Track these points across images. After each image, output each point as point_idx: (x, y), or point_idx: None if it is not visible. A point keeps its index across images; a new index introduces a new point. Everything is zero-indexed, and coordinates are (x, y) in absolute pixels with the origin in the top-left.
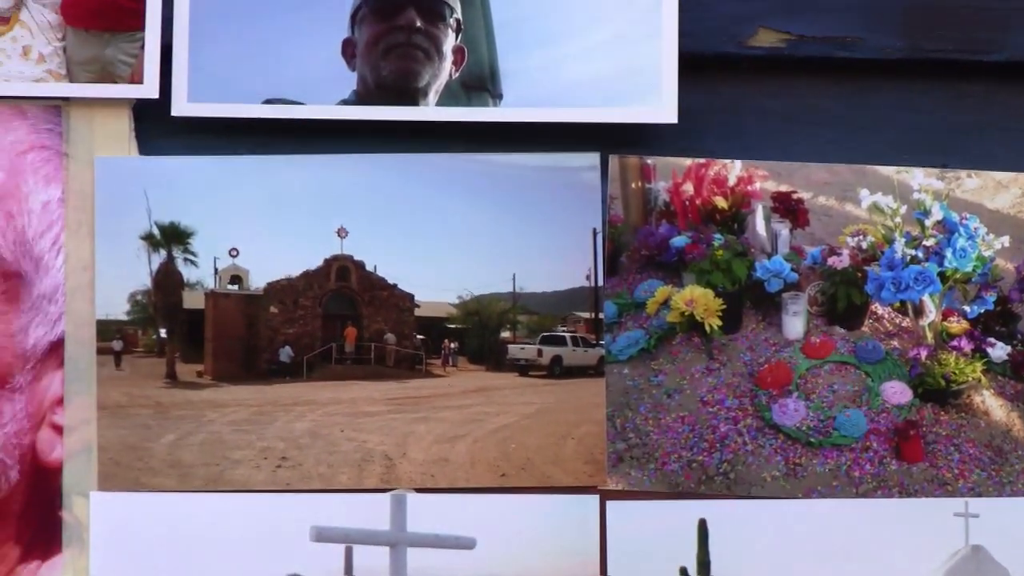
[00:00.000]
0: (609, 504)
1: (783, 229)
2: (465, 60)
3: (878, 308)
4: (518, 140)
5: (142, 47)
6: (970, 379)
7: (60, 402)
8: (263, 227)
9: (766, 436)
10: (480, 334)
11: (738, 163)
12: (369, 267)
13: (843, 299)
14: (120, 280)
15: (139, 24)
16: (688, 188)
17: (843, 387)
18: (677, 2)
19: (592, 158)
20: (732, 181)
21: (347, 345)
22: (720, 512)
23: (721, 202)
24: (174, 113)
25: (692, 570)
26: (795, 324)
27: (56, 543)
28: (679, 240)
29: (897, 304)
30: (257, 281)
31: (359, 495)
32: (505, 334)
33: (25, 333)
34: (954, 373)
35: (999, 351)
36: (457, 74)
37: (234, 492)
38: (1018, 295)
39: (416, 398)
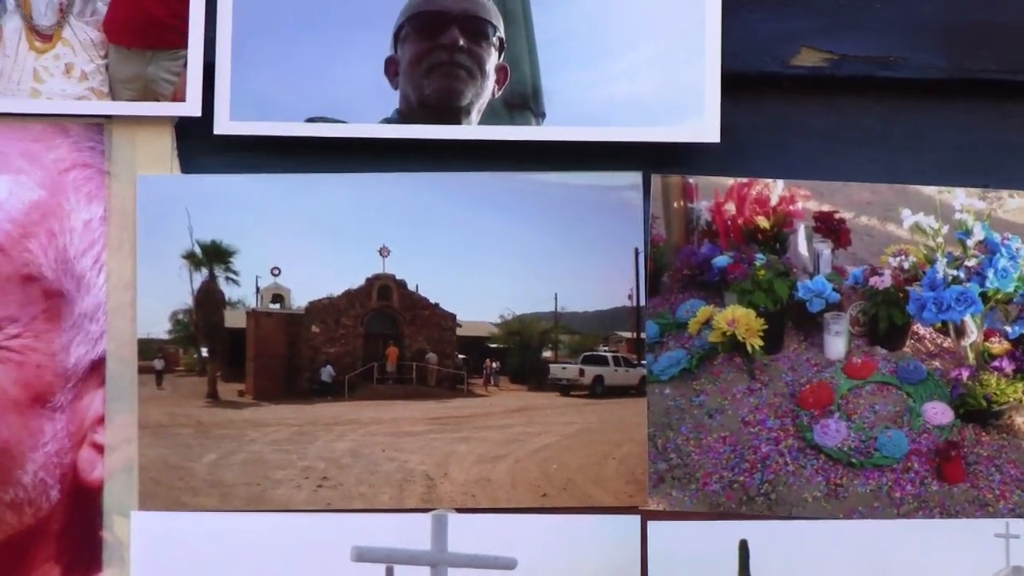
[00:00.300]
0: (650, 524)
1: (825, 249)
2: (508, 79)
3: (920, 328)
4: (560, 159)
5: (185, 65)
6: (1011, 400)
7: (101, 421)
8: (305, 246)
9: (807, 456)
10: (522, 354)
11: (780, 183)
12: (411, 286)
13: (884, 319)
14: (161, 299)
15: (182, 42)
16: (730, 208)
17: (884, 408)
18: (720, 21)
19: (634, 177)
20: (774, 201)
21: (388, 365)
22: (761, 533)
23: (763, 222)
24: (216, 131)
25: None
26: (837, 344)
27: (96, 563)
28: (721, 260)
29: (939, 324)
30: (299, 300)
31: (400, 515)
32: (547, 354)
33: (66, 352)
34: (995, 394)
35: None
36: (500, 93)
37: (275, 512)
38: None
39: (457, 418)
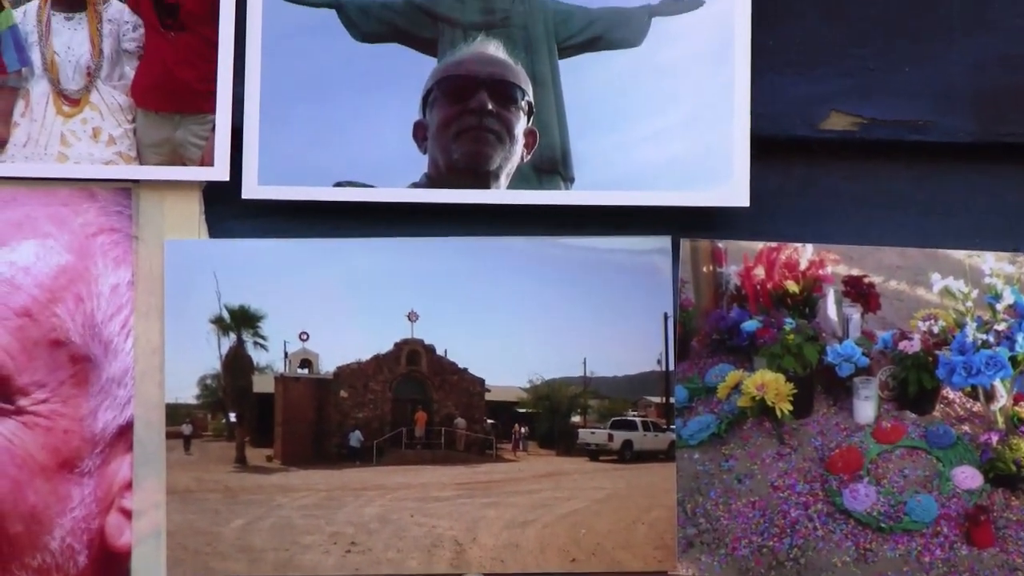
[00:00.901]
0: None
1: (854, 313)
2: (537, 143)
3: (949, 393)
4: (589, 223)
5: (213, 129)
6: None
7: (129, 486)
8: (334, 310)
9: (837, 521)
10: (550, 418)
11: (809, 247)
12: (440, 351)
13: (914, 383)
14: (189, 364)
15: (210, 106)
16: (759, 272)
17: (914, 472)
18: (749, 84)
19: (663, 241)
20: (803, 265)
21: (417, 429)
22: None
23: (792, 286)
24: (245, 196)
25: None
26: (866, 409)
27: None
28: (750, 324)
29: (968, 389)
30: (327, 365)
31: None
32: (576, 418)
33: (94, 417)
34: None
35: None
36: (529, 157)
37: None
38: None
39: (486, 483)
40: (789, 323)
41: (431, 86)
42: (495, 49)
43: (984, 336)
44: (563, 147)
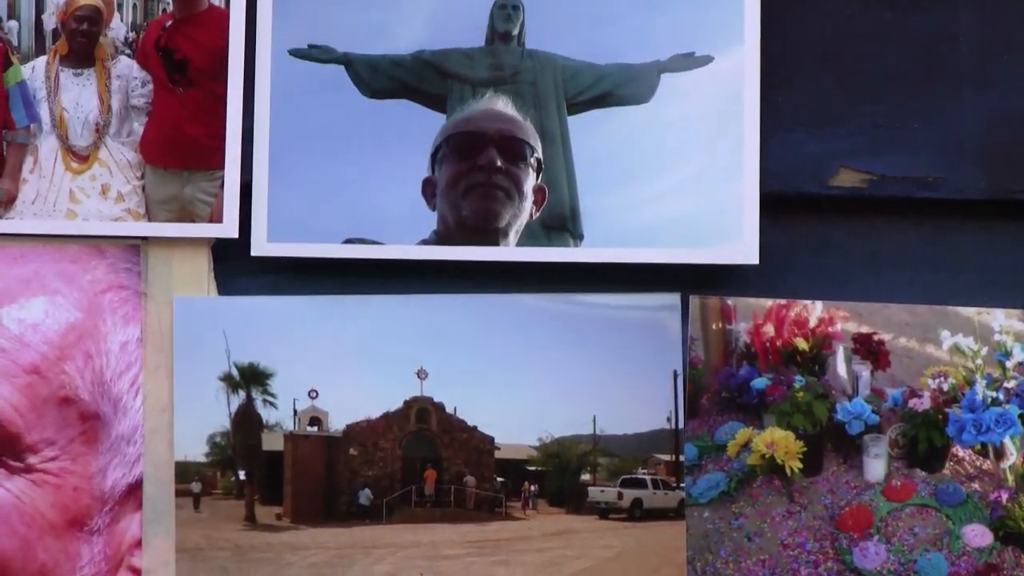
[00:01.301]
0: None
1: (864, 371)
2: (546, 200)
3: (959, 450)
4: (599, 280)
5: (222, 186)
6: None
7: (138, 544)
8: (343, 368)
9: None
10: (560, 476)
11: (819, 304)
12: (449, 409)
13: (924, 441)
14: (199, 421)
15: (219, 163)
16: (769, 329)
17: (924, 530)
18: (759, 141)
19: (673, 299)
20: (813, 322)
21: (427, 487)
22: None
23: (802, 343)
24: (254, 253)
25: None
26: (876, 466)
27: None
28: (760, 382)
29: (978, 446)
30: (336, 423)
31: None
32: (585, 476)
33: (103, 475)
34: None
35: None
36: (538, 214)
37: None
38: None
39: (496, 541)
40: (799, 381)
41: (440, 143)
42: (504, 105)
43: (994, 394)
44: (572, 204)
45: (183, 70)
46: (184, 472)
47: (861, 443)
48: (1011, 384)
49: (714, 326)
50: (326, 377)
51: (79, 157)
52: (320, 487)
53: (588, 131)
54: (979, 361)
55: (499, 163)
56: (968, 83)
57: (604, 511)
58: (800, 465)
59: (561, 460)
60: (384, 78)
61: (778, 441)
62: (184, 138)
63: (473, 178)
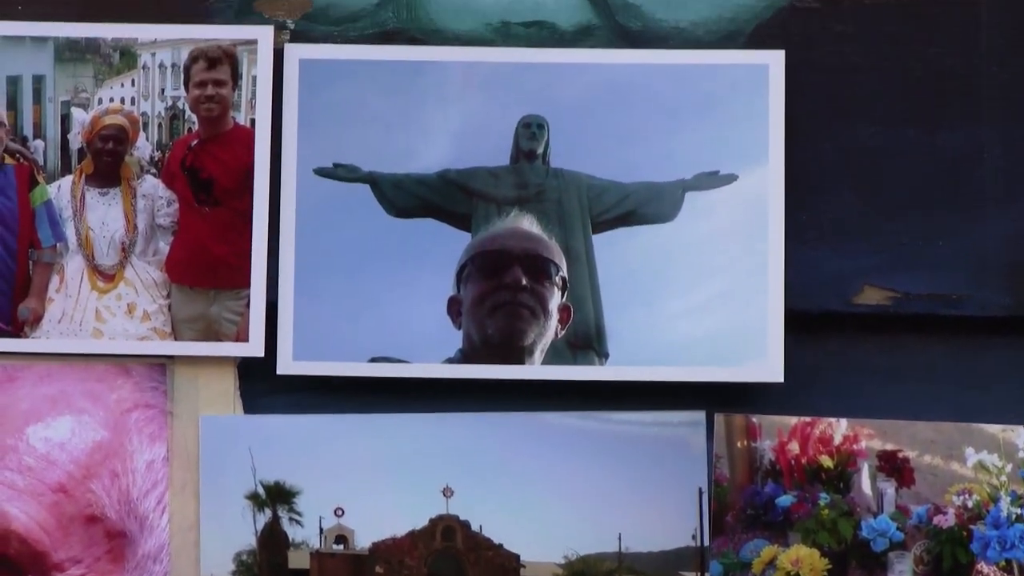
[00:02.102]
0: None
1: (889, 488)
2: (571, 318)
3: (983, 567)
4: (624, 398)
5: (247, 304)
6: None
7: None
8: (369, 486)
9: None
10: None
11: (844, 422)
12: (475, 527)
13: (948, 558)
14: (225, 540)
15: (244, 282)
16: (794, 447)
17: None
18: (783, 259)
19: (698, 416)
20: (838, 440)
21: None
22: None
23: (827, 461)
24: (279, 372)
25: None
26: None
27: None
28: (785, 499)
29: (1003, 563)
30: (363, 541)
31: None
32: None
33: None
34: None
35: None
36: (563, 332)
37: None
38: None
39: None
40: (824, 498)
41: (465, 261)
42: (529, 224)
43: (1018, 510)
44: (597, 322)
45: (209, 189)
46: None
47: (886, 560)
48: None
49: (739, 443)
50: (352, 495)
51: (105, 276)
52: None
53: (613, 249)
54: (1004, 478)
55: (524, 282)
56: (992, 200)
57: None
58: None
59: None
60: (409, 197)
61: (803, 558)
62: (210, 257)
63: (499, 297)
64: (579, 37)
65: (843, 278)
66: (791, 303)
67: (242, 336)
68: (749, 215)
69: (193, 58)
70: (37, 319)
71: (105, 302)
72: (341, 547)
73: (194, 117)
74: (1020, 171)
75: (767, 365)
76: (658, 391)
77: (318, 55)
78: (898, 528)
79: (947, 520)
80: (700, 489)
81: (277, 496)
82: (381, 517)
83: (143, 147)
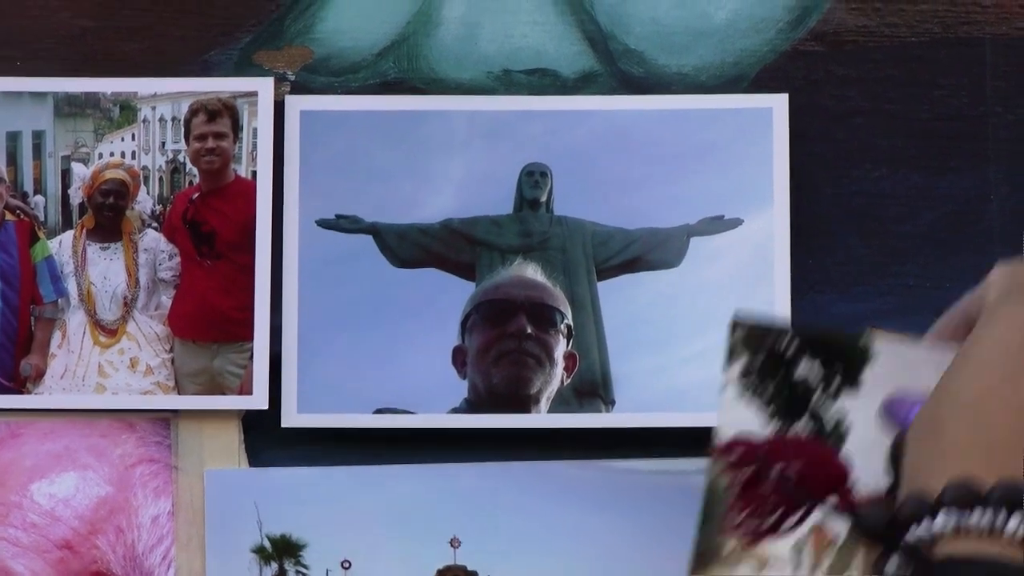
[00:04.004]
0: None
1: None
2: (577, 366)
3: None
4: (631, 445)
5: (251, 357)
6: None
7: None
8: (375, 537)
9: None
10: None
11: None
12: None
13: None
14: None
15: (248, 335)
16: None
17: None
18: (790, 303)
19: (705, 463)
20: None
21: None
22: None
23: None
24: (284, 424)
25: None
26: None
27: None
28: None
29: None
30: None
31: None
32: None
33: None
34: None
35: None
36: (569, 380)
37: None
38: None
39: None
40: None
41: (470, 310)
42: (533, 272)
43: None
44: (603, 369)
45: (211, 243)
46: None
47: None
48: None
49: None
50: (359, 547)
51: (107, 331)
52: None
53: (618, 296)
54: None
55: (529, 330)
56: (999, 244)
57: None
58: None
59: None
60: (412, 247)
61: None
62: (212, 311)
63: (503, 345)
64: (581, 84)
65: (849, 321)
66: None
67: (246, 389)
68: (754, 259)
69: (193, 111)
70: (40, 375)
71: (108, 357)
72: None
73: (195, 170)
74: None
75: None
76: (666, 438)
77: (319, 106)
78: None
79: None
80: None
81: (284, 549)
82: (388, 569)
83: (144, 201)
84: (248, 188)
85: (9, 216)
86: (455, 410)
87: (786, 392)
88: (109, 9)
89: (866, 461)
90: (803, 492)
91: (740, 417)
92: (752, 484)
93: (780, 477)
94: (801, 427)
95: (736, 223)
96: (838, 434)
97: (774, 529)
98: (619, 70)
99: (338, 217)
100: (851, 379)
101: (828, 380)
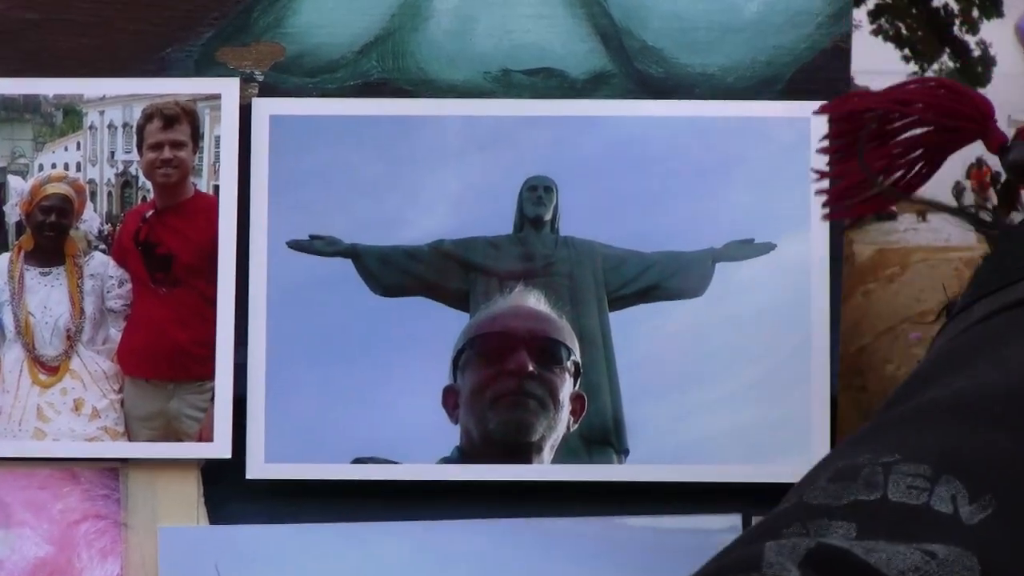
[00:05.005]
0: None
1: None
2: (585, 409)
3: None
4: (647, 500)
5: (212, 399)
6: None
7: None
8: None
9: None
10: None
11: None
12: None
13: None
14: None
15: (208, 373)
16: None
17: None
18: (828, 341)
19: (733, 521)
20: None
21: None
22: None
23: None
24: (249, 476)
25: None
26: None
27: None
28: None
29: None
30: None
31: None
32: None
33: None
34: None
35: None
36: (576, 425)
37: None
38: None
39: None
40: None
41: (463, 345)
42: (536, 301)
43: None
44: (615, 414)
45: (166, 267)
46: None
47: None
48: None
49: None
50: None
51: (48, 368)
52: None
53: (633, 330)
54: None
55: (531, 368)
56: None
57: None
58: None
59: None
60: (397, 272)
61: None
62: (168, 345)
63: (501, 385)
64: (591, 86)
65: None
66: (835, 391)
67: (206, 435)
68: (789, 289)
69: (147, 116)
70: None
71: (48, 398)
72: None
73: (149, 184)
74: None
75: (810, 461)
76: (686, 493)
77: (291, 111)
78: None
79: None
80: None
81: None
82: None
83: (91, 219)
84: (210, 204)
85: None
86: (446, 460)
87: (924, 25)
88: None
89: (1012, 95)
90: (943, 138)
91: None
92: (881, 136)
93: (917, 123)
94: (940, 66)
95: (768, 248)
96: (982, 65)
97: (918, 181)
98: (635, 70)
99: (312, 238)
100: (993, 4)
101: (967, 7)
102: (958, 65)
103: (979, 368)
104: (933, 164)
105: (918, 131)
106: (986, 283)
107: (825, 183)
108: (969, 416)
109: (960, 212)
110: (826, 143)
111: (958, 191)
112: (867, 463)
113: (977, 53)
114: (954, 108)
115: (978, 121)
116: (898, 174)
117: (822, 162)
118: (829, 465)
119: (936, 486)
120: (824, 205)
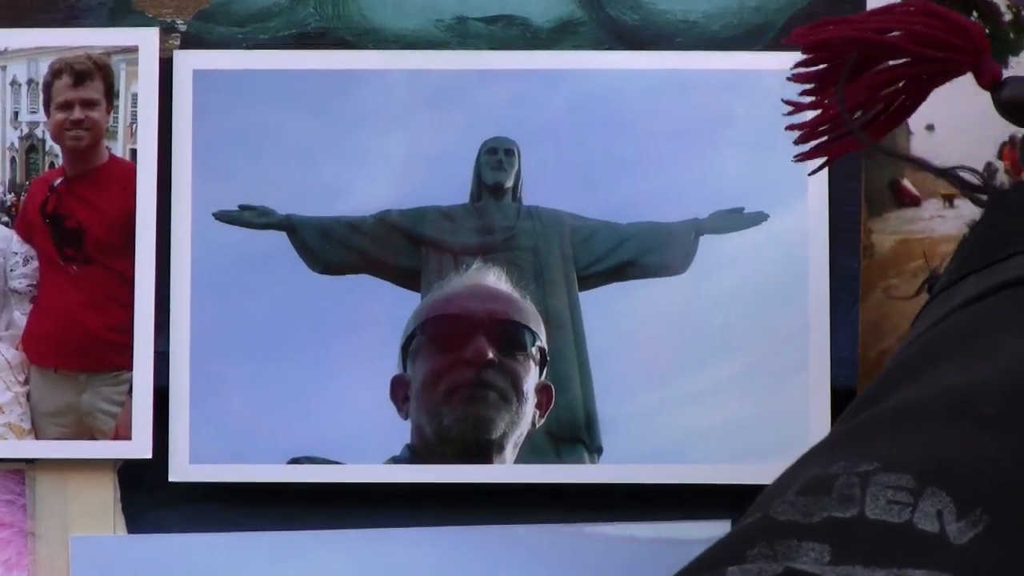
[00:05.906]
0: None
1: None
2: (553, 402)
3: None
4: (623, 506)
5: (129, 391)
6: None
7: None
8: None
9: None
10: None
11: None
12: None
13: None
14: None
15: (126, 362)
16: None
17: None
18: (828, 324)
19: (721, 528)
20: None
21: None
22: None
23: None
24: (172, 478)
25: None
26: None
27: None
28: None
29: None
30: None
31: None
32: None
33: None
34: None
35: None
36: (542, 421)
37: None
38: None
39: None
40: None
41: (413, 330)
42: (496, 280)
43: None
44: (587, 407)
45: (77, 242)
46: None
47: None
48: None
49: None
50: None
51: None
52: None
53: (606, 311)
54: None
55: (490, 355)
56: None
57: None
58: None
59: None
60: (339, 247)
61: None
62: (79, 331)
63: (457, 376)
64: (558, 36)
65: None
66: (837, 379)
67: (123, 433)
68: (783, 266)
69: (55, 72)
70: None
71: None
72: None
73: (57, 149)
74: None
75: None
76: (667, 497)
77: (218, 64)
78: None
79: None
80: None
81: None
82: None
83: None
84: (126, 172)
85: None
86: (395, 460)
87: None
88: None
89: None
90: (929, 69)
91: None
92: (860, 67)
93: (900, 53)
94: None
95: (760, 218)
96: (1015, 30)
97: (899, 116)
98: (607, 17)
99: (242, 208)
100: None
101: None
102: (988, 31)
103: (967, 361)
104: (917, 98)
105: (900, 61)
106: (973, 257)
107: (798, 118)
108: (956, 418)
109: (943, 173)
110: (801, 70)
111: (990, 172)
112: (842, 472)
113: (1008, 17)
114: (942, 38)
115: (969, 53)
116: (878, 107)
117: (795, 93)
118: (799, 473)
119: (920, 500)
120: (795, 143)
